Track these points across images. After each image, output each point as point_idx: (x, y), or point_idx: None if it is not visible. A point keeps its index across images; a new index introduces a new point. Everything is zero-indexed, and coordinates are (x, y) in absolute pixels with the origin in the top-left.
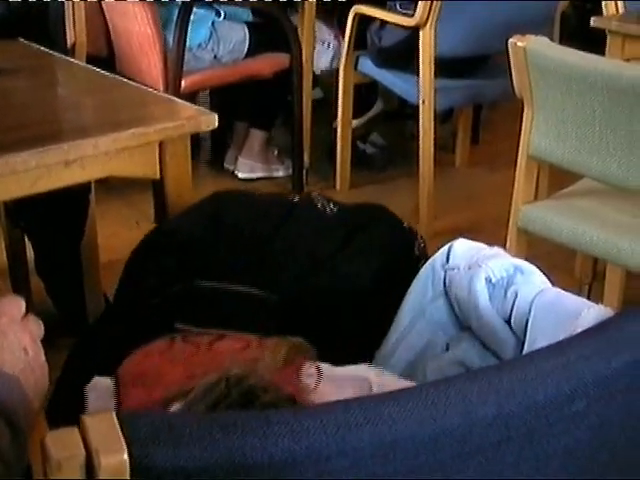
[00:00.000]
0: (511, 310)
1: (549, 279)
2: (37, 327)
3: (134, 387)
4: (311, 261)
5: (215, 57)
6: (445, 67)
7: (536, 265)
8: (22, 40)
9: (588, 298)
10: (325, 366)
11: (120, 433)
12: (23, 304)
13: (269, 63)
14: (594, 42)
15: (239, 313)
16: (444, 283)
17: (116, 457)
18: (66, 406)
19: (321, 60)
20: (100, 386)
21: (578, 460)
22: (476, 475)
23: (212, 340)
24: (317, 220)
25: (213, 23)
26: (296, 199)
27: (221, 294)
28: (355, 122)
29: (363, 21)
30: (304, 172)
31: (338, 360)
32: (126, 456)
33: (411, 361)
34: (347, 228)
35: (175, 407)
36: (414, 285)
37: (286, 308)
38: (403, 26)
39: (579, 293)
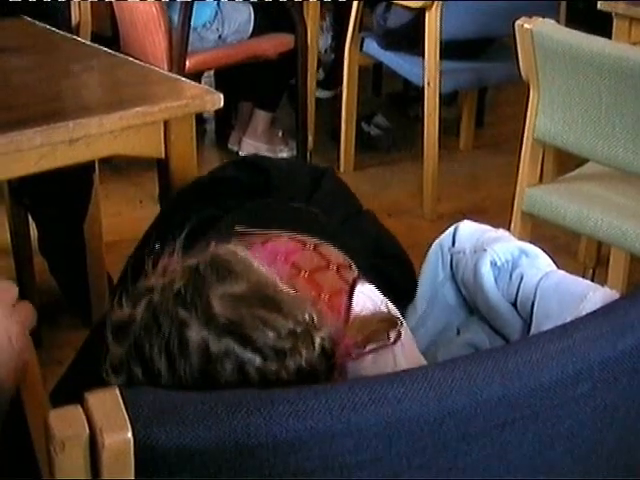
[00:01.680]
0: (517, 293)
1: (553, 262)
2: (29, 316)
3: None
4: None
5: (220, 37)
6: (450, 49)
7: (540, 248)
8: (26, 18)
9: (592, 282)
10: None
11: (124, 411)
12: (15, 290)
13: (274, 44)
14: (600, 25)
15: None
16: (450, 266)
17: (120, 436)
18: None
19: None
20: None
21: (582, 442)
22: (480, 456)
23: (267, 238)
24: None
25: (218, 3)
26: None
27: (282, 210)
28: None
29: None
30: (308, 153)
31: None
32: (130, 435)
33: (428, 345)
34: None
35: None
36: (425, 267)
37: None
38: (409, 8)
39: (583, 277)
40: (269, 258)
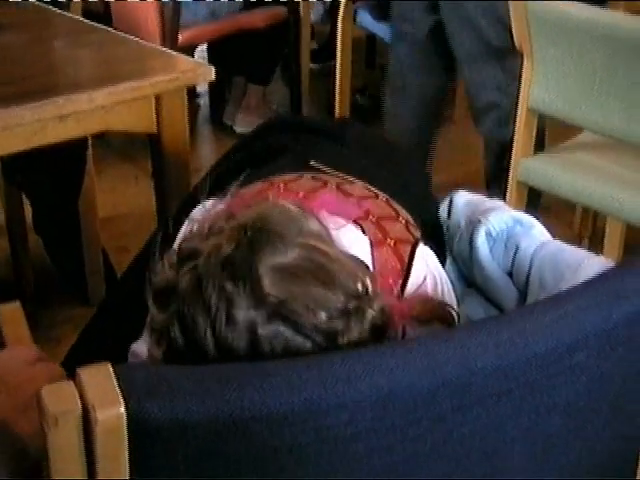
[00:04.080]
0: (512, 263)
1: (549, 232)
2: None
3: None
4: None
5: (211, 11)
6: None
7: (535, 218)
8: None
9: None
10: None
11: (116, 386)
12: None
13: (266, 16)
14: None
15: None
16: (446, 239)
17: (112, 411)
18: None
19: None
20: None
21: (578, 412)
22: (475, 427)
23: (341, 182)
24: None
25: None
26: None
27: (360, 161)
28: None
29: None
30: None
31: None
32: (123, 410)
33: None
34: None
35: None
36: None
37: None
38: None
39: (579, 247)
40: (339, 198)
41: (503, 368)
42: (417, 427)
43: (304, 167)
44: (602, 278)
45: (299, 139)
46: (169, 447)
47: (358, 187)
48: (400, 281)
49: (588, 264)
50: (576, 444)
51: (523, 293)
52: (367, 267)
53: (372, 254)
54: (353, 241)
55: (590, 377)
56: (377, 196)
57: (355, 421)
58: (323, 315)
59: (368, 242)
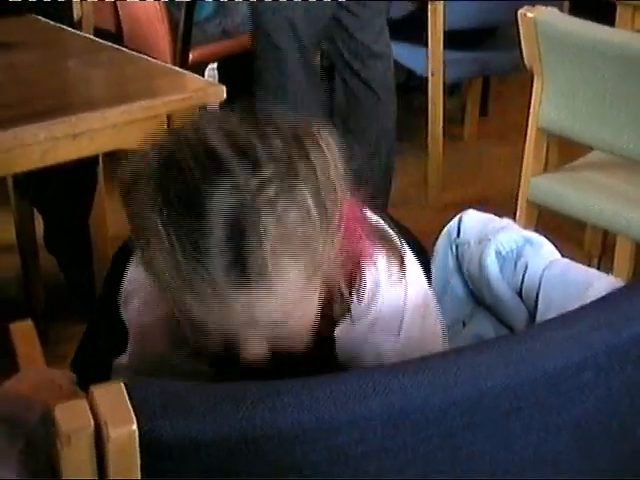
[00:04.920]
0: (522, 282)
1: (559, 251)
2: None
3: None
4: None
5: (223, 31)
6: (454, 39)
7: (545, 237)
8: (32, 15)
9: (597, 271)
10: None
11: (129, 404)
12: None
13: None
14: (604, 13)
15: None
16: (456, 258)
17: (125, 429)
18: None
19: None
20: None
21: (587, 431)
22: (486, 445)
23: None
24: None
25: None
26: None
27: None
28: None
29: None
30: None
31: None
32: (135, 427)
33: None
34: None
35: None
36: (435, 257)
37: None
38: None
39: (589, 266)
40: None
41: (513, 387)
42: (428, 444)
43: None
44: (612, 298)
45: None
46: (181, 465)
47: None
48: None
49: (597, 284)
50: (585, 462)
51: (532, 312)
52: None
53: None
54: None
55: (599, 396)
56: None
57: (366, 439)
58: (278, 141)
59: None
